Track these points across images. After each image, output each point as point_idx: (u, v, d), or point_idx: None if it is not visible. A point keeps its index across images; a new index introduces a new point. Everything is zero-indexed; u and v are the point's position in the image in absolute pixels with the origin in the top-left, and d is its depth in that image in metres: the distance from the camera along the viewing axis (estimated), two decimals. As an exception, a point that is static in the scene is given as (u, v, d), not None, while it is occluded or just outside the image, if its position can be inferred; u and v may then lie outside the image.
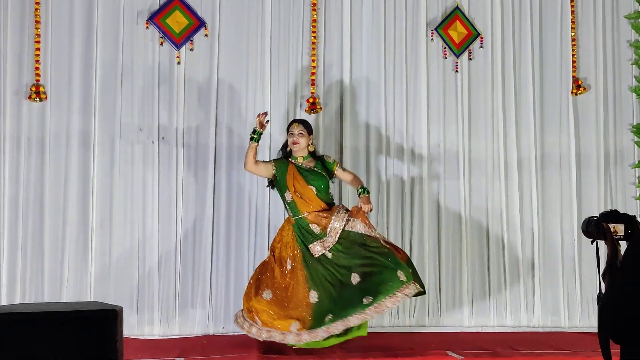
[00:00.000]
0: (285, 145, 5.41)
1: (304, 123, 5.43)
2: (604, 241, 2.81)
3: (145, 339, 5.63)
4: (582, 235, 6.63)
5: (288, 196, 5.29)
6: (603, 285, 2.77)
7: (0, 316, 2.78)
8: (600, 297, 2.74)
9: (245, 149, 5.99)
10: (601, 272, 2.75)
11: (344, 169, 5.49)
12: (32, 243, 5.70)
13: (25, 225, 5.70)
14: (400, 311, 6.07)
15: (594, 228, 2.85)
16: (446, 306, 6.16)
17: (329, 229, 5.17)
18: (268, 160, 5.51)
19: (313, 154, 5.41)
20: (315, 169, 5.35)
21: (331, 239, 5.16)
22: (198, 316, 5.83)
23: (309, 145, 5.37)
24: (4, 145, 5.71)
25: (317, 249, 5.16)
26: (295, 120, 5.47)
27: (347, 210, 5.26)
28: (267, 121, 5.32)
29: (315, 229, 5.21)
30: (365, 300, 4.93)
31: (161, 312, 5.78)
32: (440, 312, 6.15)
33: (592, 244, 2.89)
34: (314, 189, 5.29)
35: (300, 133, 5.33)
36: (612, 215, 2.82)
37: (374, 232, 5.22)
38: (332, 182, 5.45)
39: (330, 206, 5.33)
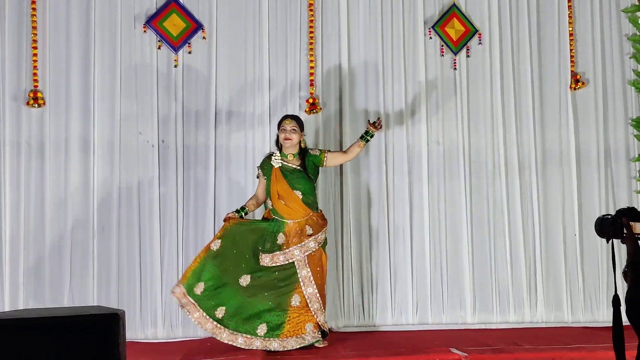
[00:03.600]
0: (277, 140, 5.39)
1: (297, 119, 5.38)
2: (619, 240, 2.70)
3: (148, 342, 5.63)
4: (584, 230, 6.59)
5: (269, 203, 5.24)
6: (619, 284, 2.68)
7: (3, 322, 2.78)
8: (617, 299, 2.65)
9: (243, 150, 5.96)
10: (621, 271, 2.67)
11: (332, 152, 5.44)
12: (33, 248, 5.71)
13: (27, 231, 5.71)
14: (403, 309, 6.08)
15: (610, 226, 2.75)
16: (449, 303, 6.16)
17: (288, 250, 5.10)
18: (258, 174, 5.42)
19: (302, 152, 5.34)
20: (300, 169, 5.27)
21: (283, 257, 5.10)
22: (201, 318, 5.83)
23: (300, 141, 5.32)
24: (4, 151, 5.73)
25: (266, 260, 5.10)
26: (287, 116, 5.42)
27: (319, 242, 5.20)
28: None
29: (282, 239, 5.15)
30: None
31: (164, 315, 5.79)
32: (443, 309, 6.14)
33: (607, 242, 2.79)
34: (299, 193, 5.23)
35: (293, 129, 5.27)
36: (630, 212, 2.74)
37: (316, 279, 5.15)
38: (316, 185, 5.42)
39: (313, 208, 5.26)
